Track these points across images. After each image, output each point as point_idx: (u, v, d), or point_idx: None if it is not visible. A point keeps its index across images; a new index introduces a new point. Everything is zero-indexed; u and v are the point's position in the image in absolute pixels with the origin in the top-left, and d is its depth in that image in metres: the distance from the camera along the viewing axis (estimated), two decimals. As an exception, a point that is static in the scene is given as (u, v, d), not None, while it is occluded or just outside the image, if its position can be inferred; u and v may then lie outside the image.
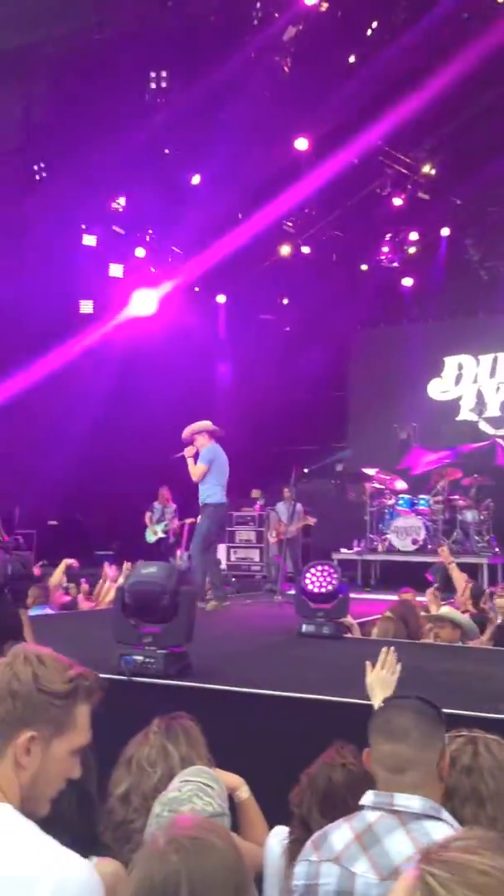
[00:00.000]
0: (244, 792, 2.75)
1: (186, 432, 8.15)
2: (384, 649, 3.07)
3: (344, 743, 2.56)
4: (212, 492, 8.03)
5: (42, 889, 1.39)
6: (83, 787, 1.92)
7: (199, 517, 8.24)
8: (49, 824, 1.65)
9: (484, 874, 1.12)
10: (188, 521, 11.36)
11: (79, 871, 1.46)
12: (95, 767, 2.25)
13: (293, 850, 2.39)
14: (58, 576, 8.23)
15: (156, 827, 1.94)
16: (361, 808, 2.13)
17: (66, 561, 8.59)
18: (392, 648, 3.08)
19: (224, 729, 2.87)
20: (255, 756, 3.16)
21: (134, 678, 4.08)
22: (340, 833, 2.09)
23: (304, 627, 5.80)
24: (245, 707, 3.95)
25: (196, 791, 2.00)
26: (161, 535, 12.28)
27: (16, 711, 1.58)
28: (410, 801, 2.05)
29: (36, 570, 8.06)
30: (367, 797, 2.12)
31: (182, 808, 1.95)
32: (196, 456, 8.07)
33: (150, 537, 12.42)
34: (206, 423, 8.20)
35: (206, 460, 7.99)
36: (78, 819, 2.10)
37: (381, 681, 2.98)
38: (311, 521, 12.31)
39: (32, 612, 5.60)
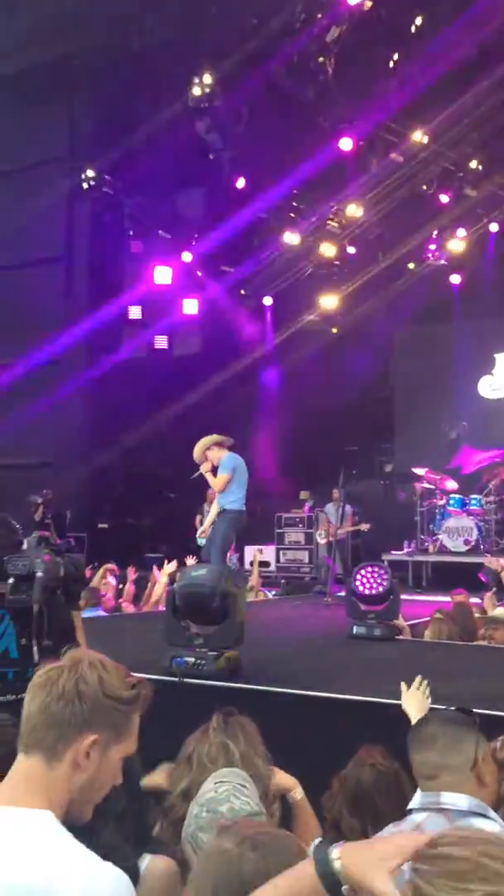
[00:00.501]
0: (298, 793, 2.73)
1: (198, 453, 8.03)
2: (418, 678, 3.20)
3: (372, 744, 2.57)
4: (232, 498, 7.93)
5: None
6: (132, 785, 1.94)
7: (217, 524, 8.10)
8: (101, 823, 1.66)
9: (463, 860, 1.16)
10: None
11: (105, 879, 1.44)
12: (141, 766, 2.27)
13: None
14: (97, 580, 8.35)
15: (195, 827, 1.96)
16: (390, 805, 2.14)
17: (106, 566, 8.76)
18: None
19: (275, 730, 2.87)
20: (306, 757, 3.15)
21: (185, 679, 4.10)
22: None
23: (356, 629, 5.78)
24: (296, 708, 3.95)
25: (232, 791, 2.01)
26: (211, 537, 12.28)
27: (83, 713, 1.60)
28: (457, 799, 2.06)
29: (86, 573, 8.18)
30: (415, 800, 2.13)
31: (220, 807, 1.96)
32: (214, 470, 7.96)
33: (201, 540, 12.44)
34: (213, 437, 8.11)
35: (229, 468, 7.87)
36: (129, 816, 2.12)
37: (416, 702, 3.02)
38: (365, 527, 12.19)
39: (84, 614, 5.67)
